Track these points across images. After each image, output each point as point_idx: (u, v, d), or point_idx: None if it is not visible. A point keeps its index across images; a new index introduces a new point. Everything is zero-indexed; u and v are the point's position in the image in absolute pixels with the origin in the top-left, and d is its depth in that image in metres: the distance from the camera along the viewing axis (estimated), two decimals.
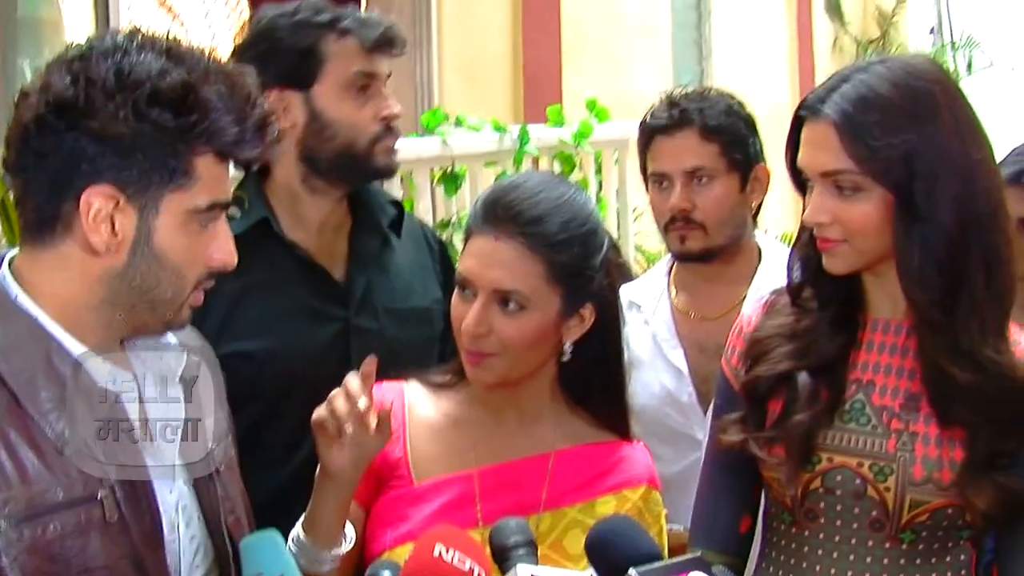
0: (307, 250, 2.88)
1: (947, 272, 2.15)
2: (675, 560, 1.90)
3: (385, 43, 2.87)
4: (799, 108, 2.24)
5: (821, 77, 12.50)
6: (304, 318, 2.84)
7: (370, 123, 2.85)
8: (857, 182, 2.16)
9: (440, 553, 1.94)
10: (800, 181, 2.27)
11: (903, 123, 2.14)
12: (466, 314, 2.29)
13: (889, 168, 2.14)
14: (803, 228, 2.29)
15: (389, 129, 2.87)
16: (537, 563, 1.99)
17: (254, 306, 2.80)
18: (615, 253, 3.88)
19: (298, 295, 2.85)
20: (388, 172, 2.95)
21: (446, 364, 2.51)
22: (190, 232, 1.91)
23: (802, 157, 2.23)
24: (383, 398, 2.41)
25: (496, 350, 2.28)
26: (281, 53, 2.84)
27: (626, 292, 3.33)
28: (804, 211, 2.24)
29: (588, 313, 2.36)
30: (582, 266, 2.31)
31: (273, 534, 2.02)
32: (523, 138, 6.49)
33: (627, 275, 3.73)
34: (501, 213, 2.29)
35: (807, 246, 2.29)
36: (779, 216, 8.37)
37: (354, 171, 2.88)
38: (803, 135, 2.23)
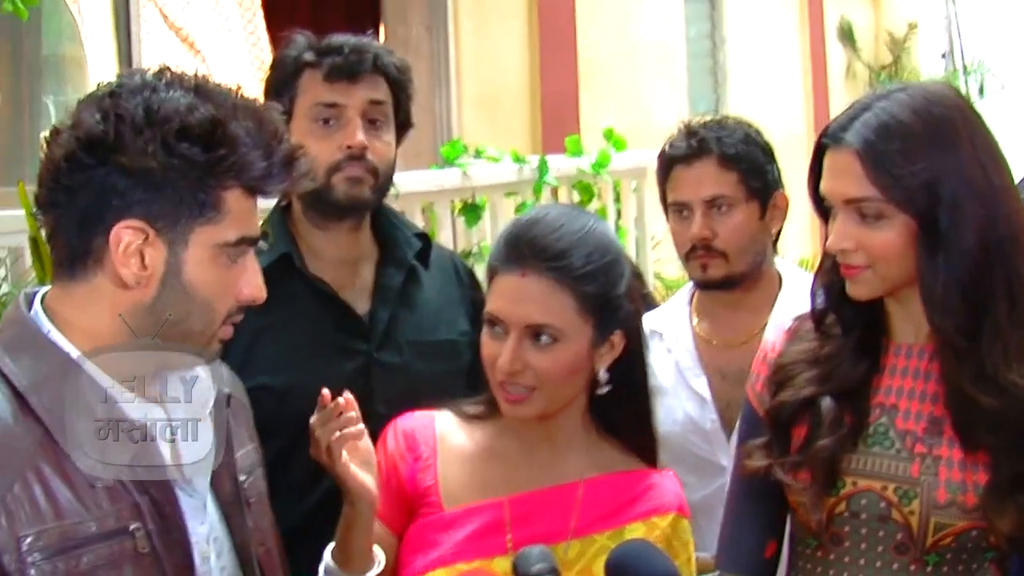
0: (329, 284, 2.86)
1: (970, 298, 2.16)
2: None
3: (343, 71, 2.81)
4: (821, 136, 2.25)
5: (835, 103, 12.61)
6: (325, 353, 2.82)
7: (332, 154, 2.79)
8: (880, 209, 2.17)
9: None
10: (822, 208, 2.28)
11: (925, 151, 2.16)
12: (498, 352, 2.30)
13: (912, 195, 2.15)
14: (826, 255, 2.30)
15: (352, 159, 2.79)
16: None
17: (275, 341, 2.79)
18: (639, 282, 3.90)
19: (320, 330, 2.84)
20: (352, 201, 2.83)
21: (476, 395, 2.51)
22: (219, 266, 1.92)
23: (825, 185, 2.24)
24: (414, 426, 2.44)
25: (533, 384, 2.30)
26: (269, 92, 2.87)
27: (648, 320, 3.32)
28: (826, 238, 2.26)
29: (618, 340, 2.37)
30: (609, 295, 2.33)
31: None
32: (542, 168, 6.52)
33: (651, 304, 3.73)
34: (526, 250, 2.30)
35: (830, 272, 2.31)
36: (796, 242, 8.38)
37: (323, 203, 2.83)
38: (826, 163, 2.24)
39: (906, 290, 2.23)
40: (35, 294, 1.97)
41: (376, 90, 2.85)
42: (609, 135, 6.99)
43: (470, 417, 2.47)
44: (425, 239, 3.04)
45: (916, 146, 2.16)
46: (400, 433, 2.43)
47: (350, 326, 2.86)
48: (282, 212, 2.93)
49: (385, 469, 2.40)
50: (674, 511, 2.42)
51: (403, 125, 2.95)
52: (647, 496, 2.42)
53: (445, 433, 2.44)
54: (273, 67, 2.91)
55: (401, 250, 2.95)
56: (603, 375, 2.38)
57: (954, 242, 2.16)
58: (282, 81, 2.86)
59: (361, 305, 2.89)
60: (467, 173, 6.18)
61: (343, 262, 2.91)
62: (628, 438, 2.46)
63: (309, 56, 2.83)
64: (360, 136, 2.80)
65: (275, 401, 2.72)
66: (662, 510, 2.41)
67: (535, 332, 2.29)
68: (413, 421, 2.45)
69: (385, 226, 2.97)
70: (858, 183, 2.18)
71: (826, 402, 2.28)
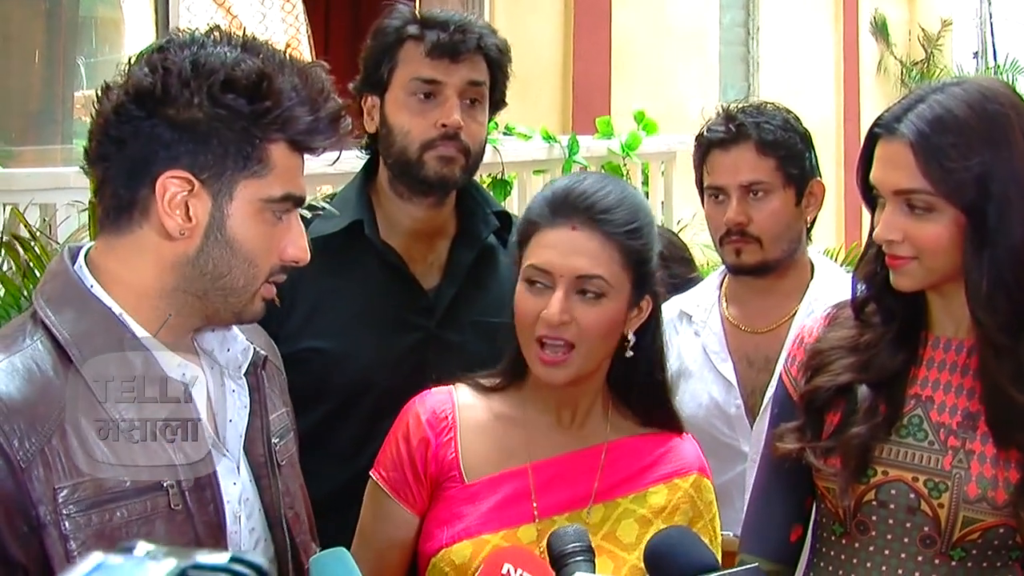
0: (400, 255, 2.85)
1: (1015, 295, 2.16)
2: (732, 570, 1.91)
3: (446, 49, 2.78)
4: (874, 125, 2.24)
5: (866, 96, 12.59)
6: (385, 324, 2.82)
7: (426, 130, 2.77)
8: (930, 202, 2.16)
9: (508, 572, 1.97)
10: (869, 197, 2.28)
11: (978, 145, 2.15)
12: (538, 307, 2.31)
13: (963, 190, 2.15)
14: (870, 244, 2.30)
15: (446, 138, 2.77)
16: (594, 570, 2.01)
17: (337, 306, 2.80)
18: (680, 246, 3.87)
19: (382, 300, 2.83)
20: (441, 180, 2.81)
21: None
22: (264, 222, 1.93)
23: (875, 174, 2.23)
24: (433, 403, 2.45)
25: (574, 340, 2.31)
26: (367, 59, 2.86)
27: (677, 303, 3.35)
28: (872, 227, 2.26)
29: (646, 305, 2.40)
30: (649, 254, 2.37)
31: (342, 552, 2.04)
32: (572, 147, 6.52)
33: (695, 280, 3.72)
34: (577, 204, 2.32)
35: (873, 262, 2.30)
36: (823, 232, 8.37)
37: (411, 177, 2.81)
38: (877, 152, 2.23)
39: (949, 284, 2.23)
40: (79, 249, 1.98)
41: (476, 70, 2.83)
42: (640, 118, 6.99)
43: (487, 389, 2.48)
44: (505, 218, 2.99)
45: (970, 141, 2.15)
46: (420, 411, 2.43)
47: (414, 300, 2.85)
48: (364, 179, 2.93)
49: (405, 449, 2.41)
50: (695, 471, 2.45)
51: (496, 105, 2.93)
52: (668, 458, 2.45)
53: (464, 406, 2.45)
54: (373, 35, 2.89)
55: (477, 228, 2.92)
56: (631, 338, 2.39)
57: (1002, 238, 2.15)
58: (382, 50, 2.84)
59: (430, 280, 2.87)
60: (497, 149, 6.18)
61: (419, 236, 2.89)
62: (644, 409, 2.47)
63: (413, 29, 2.82)
64: (457, 116, 2.78)
65: (327, 366, 2.74)
66: (684, 471, 2.44)
67: (583, 286, 2.30)
68: (432, 398, 2.46)
69: (467, 202, 2.94)
70: (909, 174, 2.17)
71: (862, 390, 2.29)
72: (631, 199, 2.37)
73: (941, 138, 2.15)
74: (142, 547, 1.00)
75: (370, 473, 2.45)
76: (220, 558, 1.02)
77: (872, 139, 2.24)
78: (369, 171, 2.94)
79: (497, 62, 2.87)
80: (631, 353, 2.40)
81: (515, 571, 1.97)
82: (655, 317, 2.44)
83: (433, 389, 2.48)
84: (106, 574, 0.96)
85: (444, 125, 2.77)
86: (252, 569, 1.02)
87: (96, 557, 0.98)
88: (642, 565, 2.12)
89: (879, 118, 2.24)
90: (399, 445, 2.42)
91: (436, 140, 2.78)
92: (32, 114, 6.98)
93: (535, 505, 2.35)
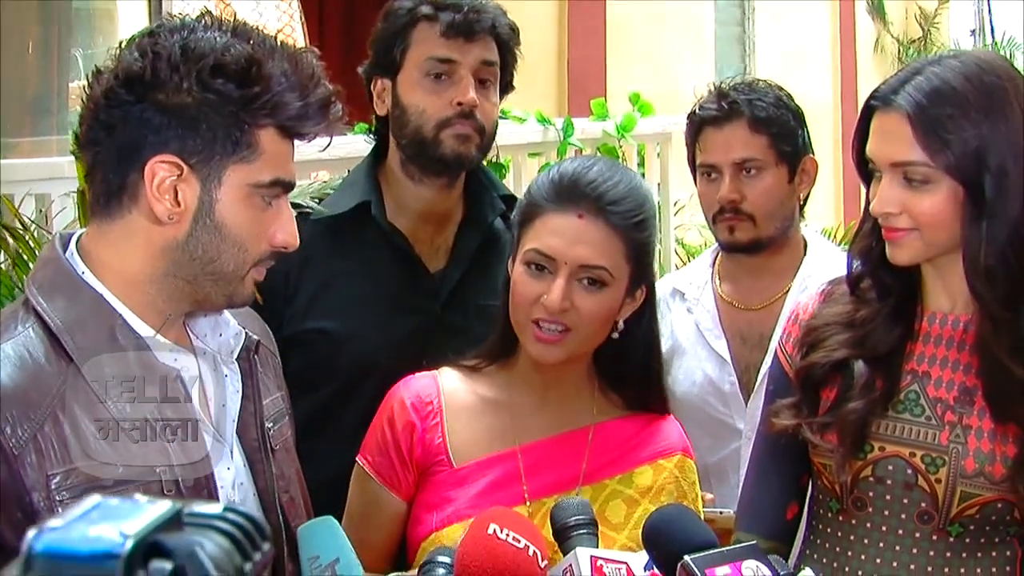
0: (407, 238, 2.86)
1: (1014, 267, 2.15)
2: (730, 548, 1.91)
3: (461, 28, 2.80)
4: (870, 98, 2.23)
5: (863, 76, 12.58)
6: (389, 306, 2.84)
7: (442, 109, 2.79)
8: (927, 174, 2.16)
9: (494, 532, 1.97)
10: (865, 171, 2.27)
11: (976, 117, 2.14)
12: (538, 291, 2.31)
13: (960, 161, 2.14)
14: (865, 219, 2.29)
15: (462, 116, 2.79)
16: (597, 544, 2.01)
17: (342, 288, 2.81)
18: None
19: (388, 283, 2.84)
20: (457, 158, 2.81)
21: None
22: (253, 207, 1.93)
23: (872, 146, 2.22)
24: (417, 388, 2.45)
25: (574, 325, 2.31)
26: (378, 42, 2.87)
27: (670, 280, 3.37)
28: (868, 201, 2.25)
29: (640, 293, 2.40)
30: (650, 247, 2.38)
31: (330, 520, 2.04)
32: (567, 130, 6.49)
33: None
34: (585, 192, 2.32)
35: (869, 236, 2.30)
36: (820, 211, 8.37)
37: (427, 157, 2.82)
38: (874, 125, 2.22)
39: (944, 258, 2.22)
40: (70, 236, 1.98)
41: (489, 51, 2.85)
42: (636, 99, 6.95)
43: (471, 370, 2.48)
44: (512, 201, 2.98)
45: (967, 112, 2.14)
46: (404, 395, 2.44)
47: (419, 282, 2.86)
48: (372, 162, 2.94)
49: (390, 434, 2.42)
50: (679, 452, 2.46)
51: (505, 88, 2.94)
52: (653, 439, 2.46)
53: (449, 390, 2.45)
54: (384, 17, 2.90)
55: (483, 212, 2.94)
56: (620, 325, 2.40)
57: (999, 210, 2.14)
58: (394, 32, 2.85)
59: (436, 263, 2.89)
60: None
61: (426, 219, 2.90)
62: (635, 392, 2.48)
63: (426, 9, 2.83)
64: (472, 94, 2.80)
65: (331, 347, 2.76)
66: (668, 452, 2.45)
67: (585, 275, 2.31)
68: (416, 383, 2.46)
69: (474, 186, 2.96)
70: (907, 146, 2.16)
71: (858, 366, 2.28)
72: (638, 190, 2.37)
73: (938, 110, 2.14)
74: (141, 497, 1.03)
75: (356, 458, 2.45)
76: (215, 508, 1.05)
77: (868, 112, 2.23)
78: (377, 155, 2.95)
79: (508, 44, 2.89)
80: (617, 335, 2.40)
81: (501, 531, 1.97)
82: (649, 304, 2.45)
83: (417, 374, 2.48)
84: (104, 512, 0.98)
85: (460, 103, 2.79)
86: (245, 519, 1.04)
87: (94, 499, 1.00)
88: (631, 544, 2.12)
89: (875, 91, 2.23)
90: (384, 430, 2.42)
91: (452, 118, 2.79)
92: (27, 105, 6.97)
93: (525, 488, 2.36)
